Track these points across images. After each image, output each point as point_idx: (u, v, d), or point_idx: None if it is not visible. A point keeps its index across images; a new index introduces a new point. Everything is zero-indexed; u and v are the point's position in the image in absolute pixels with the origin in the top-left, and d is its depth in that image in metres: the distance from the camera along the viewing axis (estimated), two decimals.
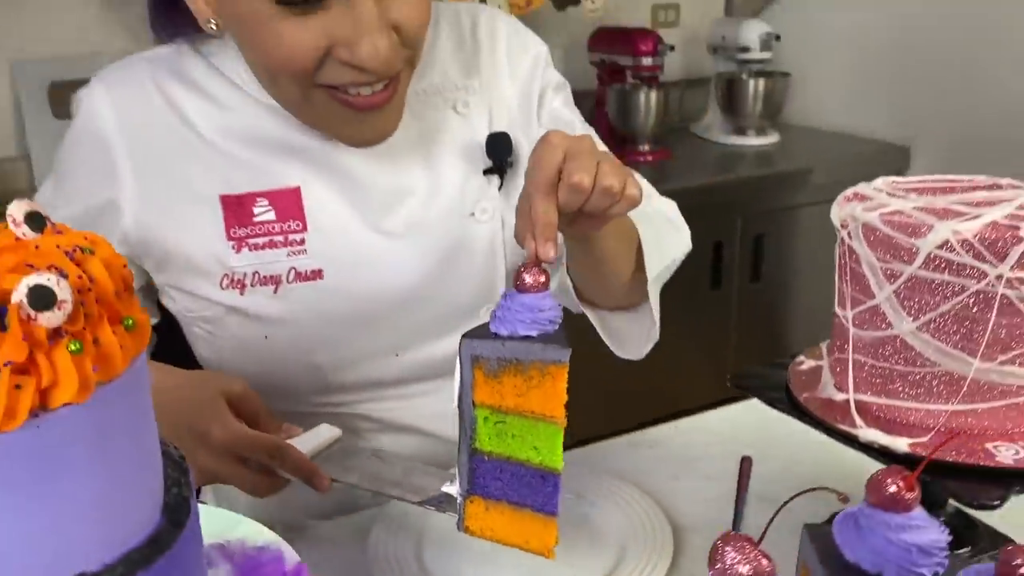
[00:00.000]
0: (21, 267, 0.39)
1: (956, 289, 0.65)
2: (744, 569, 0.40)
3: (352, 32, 0.77)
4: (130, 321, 0.42)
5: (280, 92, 0.85)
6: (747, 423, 1.00)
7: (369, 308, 0.90)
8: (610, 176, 0.70)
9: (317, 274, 0.88)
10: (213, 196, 0.88)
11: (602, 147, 0.86)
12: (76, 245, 0.43)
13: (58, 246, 0.42)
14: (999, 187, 0.74)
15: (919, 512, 0.47)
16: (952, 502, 0.80)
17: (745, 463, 0.89)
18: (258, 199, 0.88)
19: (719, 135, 3.03)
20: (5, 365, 0.36)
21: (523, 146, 0.94)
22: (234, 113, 0.90)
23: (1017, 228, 0.64)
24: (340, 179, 0.90)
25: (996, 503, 0.64)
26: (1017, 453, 0.66)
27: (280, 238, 0.87)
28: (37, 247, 0.42)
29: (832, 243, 0.72)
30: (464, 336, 0.68)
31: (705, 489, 0.90)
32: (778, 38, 2.98)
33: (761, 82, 2.91)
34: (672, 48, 2.82)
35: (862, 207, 0.70)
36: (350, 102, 0.82)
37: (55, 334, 0.38)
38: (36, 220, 0.43)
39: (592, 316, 0.93)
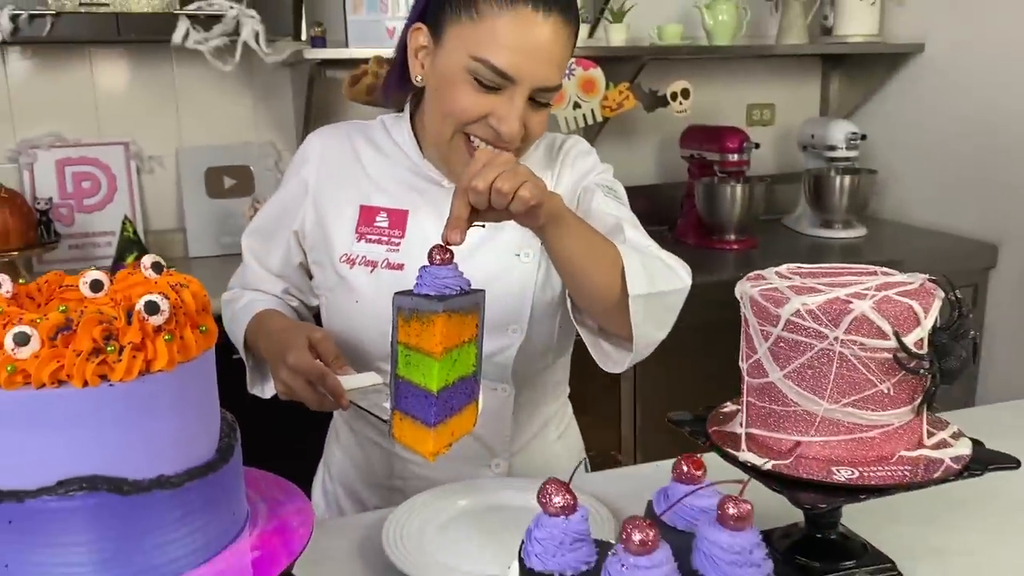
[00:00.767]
0: (143, 291, 0.68)
1: (807, 347, 0.87)
2: (557, 500, 0.64)
3: (505, 114, 1.14)
4: (203, 328, 0.71)
5: (439, 127, 1.20)
6: None
7: None
8: (505, 182, 0.96)
9: (400, 267, 1.25)
10: (355, 204, 1.29)
11: (616, 205, 1.22)
12: (178, 282, 0.72)
13: (168, 283, 0.71)
14: (873, 274, 0.94)
15: (709, 490, 0.68)
16: (842, 523, 1.00)
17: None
18: (381, 212, 1.28)
19: (807, 227, 3.16)
20: (128, 344, 0.65)
21: None
22: (389, 160, 1.31)
23: (850, 302, 0.85)
24: (437, 211, 1.25)
25: (824, 507, 0.84)
26: (852, 474, 0.86)
27: (385, 238, 1.26)
28: (156, 282, 0.71)
29: None
30: (395, 293, 0.95)
31: None
32: (864, 137, 3.10)
33: (847, 178, 3.03)
34: (757, 145, 2.99)
35: (751, 284, 0.93)
36: (473, 151, 1.18)
37: (157, 330, 0.67)
38: (157, 267, 0.73)
39: (586, 338, 1.20)
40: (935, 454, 0.90)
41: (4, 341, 0.63)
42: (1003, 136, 2.84)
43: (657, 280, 1.12)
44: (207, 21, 2.35)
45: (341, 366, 1.15)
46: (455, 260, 0.95)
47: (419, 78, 1.21)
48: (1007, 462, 0.91)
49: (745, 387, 0.95)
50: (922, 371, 0.86)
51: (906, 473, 0.87)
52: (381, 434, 1.32)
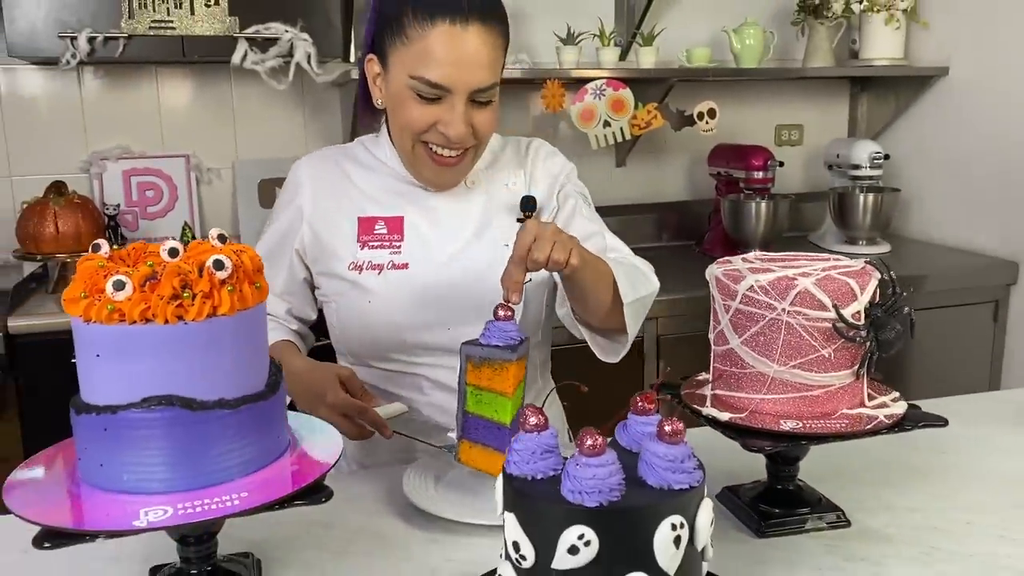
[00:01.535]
0: (212, 254, 0.86)
1: (760, 317, 1.02)
2: (532, 420, 0.80)
3: (449, 119, 1.30)
4: (258, 284, 0.89)
5: (401, 141, 1.37)
6: None
7: (433, 292, 1.40)
8: (560, 253, 1.15)
9: (405, 266, 1.40)
10: (353, 217, 1.43)
11: (591, 213, 1.42)
12: (239, 249, 0.90)
13: (231, 249, 0.89)
14: (825, 260, 1.10)
15: (655, 417, 0.84)
16: (802, 480, 1.15)
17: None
18: (378, 220, 1.43)
19: (832, 243, 3.25)
20: (200, 292, 0.83)
21: (544, 209, 1.47)
22: (376, 173, 1.46)
23: (795, 279, 1.00)
24: (428, 213, 1.43)
25: (769, 449, 1.00)
26: (797, 424, 1.01)
27: (387, 243, 1.41)
28: (221, 249, 0.89)
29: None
30: (463, 344, 1.14)
31: None
32: (887, 157, 3.21)
33: (871, 196, 3.13)
34: (781, 164, 3.10)
35: (717, 266, 1.09)
36: (434, 157, 1.35)
37: (222, 282, 0.85)
38: (222, 238, 0.91)
39: (585, 334, 1.38)
40: (872, 412, 1.04)
41: (106, 287, 0.82)
42: (1021, 155, 2.94)
43: (638, 287, 1.33)
44: (264, 43, 2.56)
45: (369, 399, 1.31)
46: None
47: (379, 101, 1.37)
48: (936, 421, 1.06)
49: (712, 354, 1.10)
50: (858, 339, 1.01)
51: (843, 425, 1.02)
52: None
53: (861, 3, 3.18)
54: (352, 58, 2.76)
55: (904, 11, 3.18)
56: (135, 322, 0.82)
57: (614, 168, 3.34)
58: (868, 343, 1.02)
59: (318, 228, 1.44)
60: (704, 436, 1.14)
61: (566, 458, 0.80)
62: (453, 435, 1.18)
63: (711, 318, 1.10)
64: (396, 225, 1.42)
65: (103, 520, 0.81)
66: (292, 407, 1.23)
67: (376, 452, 1.45)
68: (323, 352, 1.49)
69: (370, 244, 1.41)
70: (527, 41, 3.08)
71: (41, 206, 2.53)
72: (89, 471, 0.86)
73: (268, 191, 2.95)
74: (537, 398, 1.57)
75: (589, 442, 0.75)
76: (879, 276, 1.05)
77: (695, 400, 1.10)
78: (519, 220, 1.43)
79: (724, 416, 1.04)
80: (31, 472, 0.92)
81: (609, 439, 0.81)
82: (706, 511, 0.78)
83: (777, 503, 1.12)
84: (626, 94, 2.91)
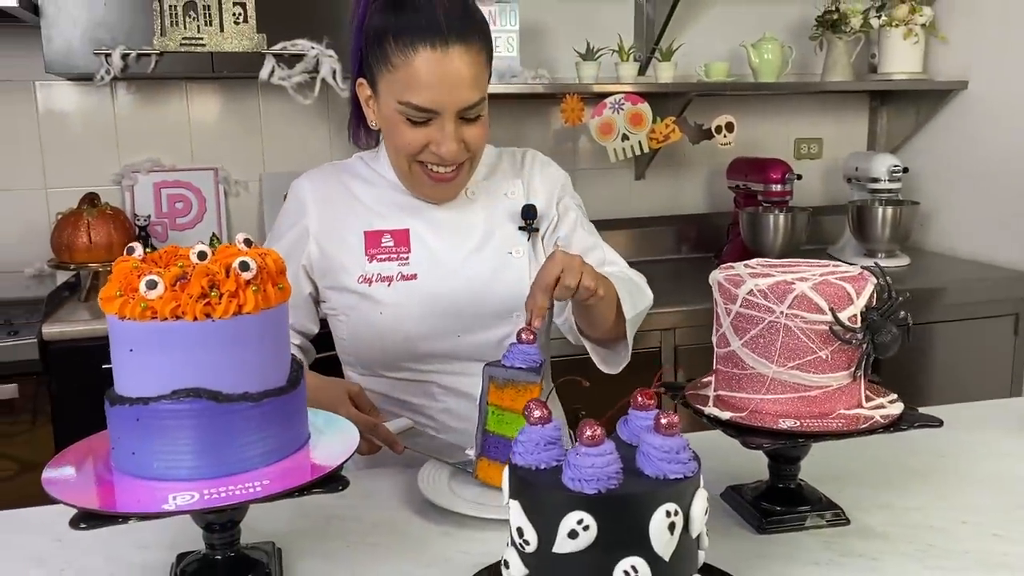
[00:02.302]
0: (238, 256, 0.92)
1: (759, 320, 1.06)
2: (536, 413, 0.85)
3: (440, 139, 1.34)
4: (281, 285, 0.95)
5: (398, 163, 1.42)
6: None
7: (442, 301, 1.44)
8: (590, 280, 1.22)
9: (414, 277, 1.44)
10: (360, 231, 1.47)
11: (589, 226, 1.50)
12: (263, 252, 0.96)
13: (256, 252, 0.95)
14: (824, 266, 1.14)
15: (653, 412, 0.89)
16: (803, 480, 1.18)
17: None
18: (385, 234, 1.46)
19: (851, 256, 3.26)
20: (226, 291, 0.89)
21: (544, 217, 1.52)
22: (377, 188, 1.49)
23: (793, 284, 1.05)
24: (432, 225, 1.47)
25: (767, 446, 1.04)
26: (795, 424, 1.05)
27: (394, 255, 1.45)
28: (247, 252, 0.95)
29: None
30: (485, 365, 1.20)
31: None
32: (906, 170, 3.22)
33: (889, 209, 3.14)
34: (799, 176, 3.13)
35: (720, 272, 1.13)
36: (430, 175, 1.40)
37: (247, 283, 0.91)
38: (247, 242, 0.97)
39: (587, 346, 1.42)
40: (869, 412, 1.08)
41: (139, 286, 0.88)
42: None
43: (637, 302, 1.40)
44: (291, 60, 2.64)
45: (377, 416, 1.36)
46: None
47: (373, 123, 1.42)
48: (931, 421, 1.09)
49: (715, 357, 1.15)
50: (854, 341, 1.05)
51: (840, 425, 1.05)
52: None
53: (880, 18, 3.21)
54: None
55: (923, 25, 3.21)
56: (166, 319, 0.88)
57: (633, 181, 3.39)
58: (864, 345, 1.06)
59: (325, 244, 1.47)
60: (711, 438, 1.18)
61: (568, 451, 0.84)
62: (471, 452, 1.23)
63: (714, 322, 1.15)
64: (402, 238, 1.45)
65: (134, 504, 0.87)
66: None
67: (384, 463, 1.50)
68: (324, 365, 1.53)
69: (378, 257, 1.45)
70: (547, 57, 3.14)
71: (75, 217, 2.62)
72: (122, 459, 0.92)
73: None
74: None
75: (588, 432, 0.80)
76: (875, 281, 1.08)
77: (699, 400, 1.14)
78: (521, 229, 1.49)
79: (725, 415, 1.08)
80: (67, 461, 0.98)
81: (612, 434, 0.86)
82: (700, 500, 0.83)
83: (778, 502, 1.16)
84: (644, 108, 2.95)
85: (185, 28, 2.56)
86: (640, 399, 0.89)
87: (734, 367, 1.11)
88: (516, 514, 0.83)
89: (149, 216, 2.88)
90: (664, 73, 3.06)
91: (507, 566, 0.86)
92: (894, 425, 1.08)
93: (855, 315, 1.05)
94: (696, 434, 1.40)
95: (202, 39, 2.58)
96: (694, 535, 0.84)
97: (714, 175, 3.44)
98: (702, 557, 0.87)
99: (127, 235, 2.67)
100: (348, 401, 1.32)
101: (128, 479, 0.91)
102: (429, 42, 1.29)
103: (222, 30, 2.59)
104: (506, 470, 0.87)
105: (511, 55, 2.86)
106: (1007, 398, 2.70)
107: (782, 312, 1.04)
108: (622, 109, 2.95)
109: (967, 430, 1.42)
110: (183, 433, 0.89)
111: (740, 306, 1.07)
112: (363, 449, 1.31)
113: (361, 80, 1.41)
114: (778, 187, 3.12)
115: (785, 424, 1.05)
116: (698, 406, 1.12)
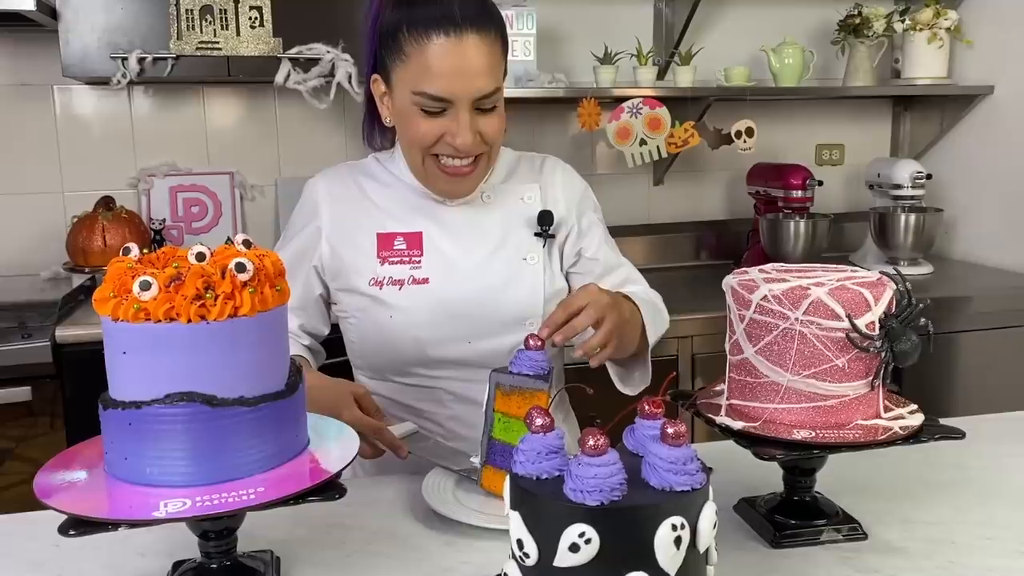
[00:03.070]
0: (235, 257, 0.89)
1: (773, 326, 1.03)
2: (539, 421, 0.82)
3: (456, 130, 1.32)
4: (279, 287, 0.92)
5: (411, 157, 1.40)
6: None
7: (454, 306, 1.42)
8: (596, 339, 1.23)
9: (425, 281, 1.42)
10: (372, 233, 1.44)
11: (612, 241, 1.45)
12: (261, 253, 0.94)
13: (254, 253, 0.93)
14: (842, 271, 1.10)
15: (659, 421, 0.85)
16: (819, 492, 1.15)
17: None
18: (398, 237, 1.44)
19: (873, 264, 3.19)
20: (222, 293, 0.87)
21: (562, 225, 1.50)
22: (391, 189, 1.47)
23: (808, 289, 1.01)
24: (446, 228, 1.45)
25: (780, 456, 1.00)
26: (810, 434, 1.01)
27: (406, 258, 1.43)
28: (245, 253, 0.93)
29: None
30: (492, 371, 1.17)
31: None
32: (929, 177, 3.16)
33: (912, 216, 3.08)
34: (820, 183, 3.09)
35: (733, 277, 1.10)
36: (445, 169, 1.37)
37: (244, 284, 0.88)
38: (247, 243, 0.95)
39: (609, 368, 1.41)
40: (888, 423, 1.04)
41: (133, 287, 0.85)
42: None
43: (658, 326, 1.41)
44: (306, 64, 2.63)
45: (381, 418, 1.33)
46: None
47: (388, 120, 1.40)
48: (953, 433, 1.05)
49: (727, 364, 1.11)
50: (872, 349, 1.01)
51: (857, 436, 1.02)
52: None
53: (903, 22, 3.16)
54: None
55: (948, 29, 3.16)
56: (160, 321, 0.85)
57: (652, 186, 3.36)
58: (883, 354, 1.02)
59: (337, 245, 1.46)
60: (724, 448, 1.15)
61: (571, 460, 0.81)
62: (475, 460, 1.21)
63: (727, 328, 1.11)
64: (415, 240, 1.43)
65: (126, 510, 0.85)
66: None
67: (390, 470, 1.47)
68: (336, 369, 1.50)
69: (390, 260, 1.43)
70: (564, 61, 3.11)
71: (90, 220, 2.62)
72: (114, 464, 0.90)
73: None
74: (559, 408, 1.59)
75: (591, 442, 0.77)
76: (894, 287, 1.05)
77: (710, 409, 1.11)
78: (536, 235, 1.46)
79: (737, 425, 1.05)
80: (59, 466, 0.96)
81: (618, 444, 0.83)
82: (709, 514, 0.79)
83: (794, 515, 1.12)
84: (662, 112, 2.92)
85: (201, 32, 2.56)
86: (647, 407, 0.86)
87: (747, 375, 1.07)
88: (516, 526, 0.80)
89: (164, 220, 2.87)
90: (683, 77, 3.02)
91: None
92: (914, 436, 1.04)
93: (873, 322, 1.02)
94: (708, 444, 1.37)
95: (218, 43, 2.57)
96: (702, 550, 0.80)
97: (734, 181, 3.40)
98: (711, 573, 0.84)
99: (142, 239, 2.67)
100: (352, 403, 1.29)
101: (121, 485, 0.89)
102: (443, 30, 1.28)
103: (238, 34, 2.58)
104: (507, 480, 0.84)
105: (528, 59, 2.83)
106: None
107: (797, 319, 1.01)
108: (640, 113, 2.91)
109: (991, 442, 1.37)
110: (176, 438, 0.87)
111: (754, 312, 1.04)
112: (366, 452, 1.28)
113: (375, 76, 1.39)
114: (799, 193, 3.08)
115: (800, 435, 1.01)
116: (710, 415, 1.09)
